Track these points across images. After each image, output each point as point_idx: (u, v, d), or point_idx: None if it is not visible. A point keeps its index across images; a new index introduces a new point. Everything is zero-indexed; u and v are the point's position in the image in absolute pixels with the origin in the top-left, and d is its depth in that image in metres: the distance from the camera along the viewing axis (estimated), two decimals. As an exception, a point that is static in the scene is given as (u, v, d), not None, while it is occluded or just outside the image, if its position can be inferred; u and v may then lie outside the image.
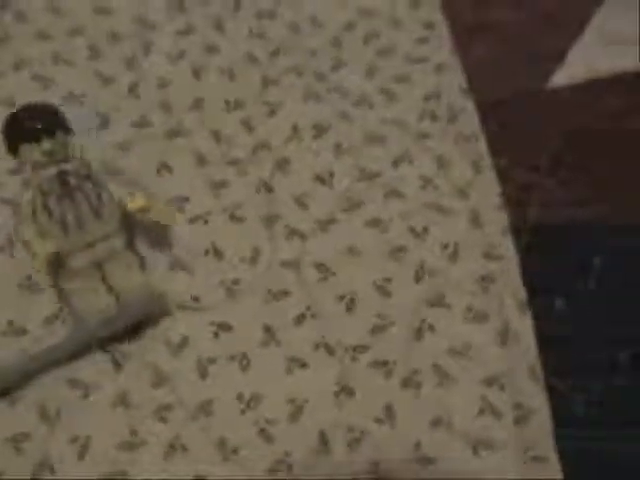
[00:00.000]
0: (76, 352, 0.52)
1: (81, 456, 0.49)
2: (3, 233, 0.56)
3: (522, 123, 0.63)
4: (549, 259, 0.57)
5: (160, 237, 0.56)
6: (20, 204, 0.51)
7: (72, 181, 0.51)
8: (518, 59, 0.66)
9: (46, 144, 0.51)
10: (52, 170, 0.51)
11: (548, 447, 0.50)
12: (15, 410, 0.50)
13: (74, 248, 0.51)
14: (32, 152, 0.51)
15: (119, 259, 0.52)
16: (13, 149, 0.52)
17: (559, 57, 0.66)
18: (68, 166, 0.51)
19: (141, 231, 0.56)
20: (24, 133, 0.51)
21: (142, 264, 0.55)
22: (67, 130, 0.53)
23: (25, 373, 0.51)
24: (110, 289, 0.51)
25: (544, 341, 0.54)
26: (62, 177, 0.51)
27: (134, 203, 0.53)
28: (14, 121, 0.52)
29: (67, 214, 0.50)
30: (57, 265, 0.51)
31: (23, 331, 0.53)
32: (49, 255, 0.49)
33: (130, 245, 0.54)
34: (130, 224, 0.54)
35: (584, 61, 0.66)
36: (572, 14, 0.68)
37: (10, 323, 0.53)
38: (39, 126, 0.51)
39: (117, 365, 0.52)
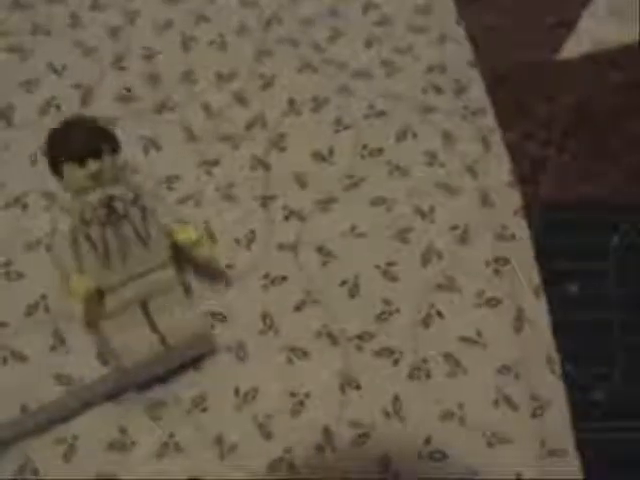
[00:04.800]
0: (111, 394, 0.47)
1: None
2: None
3: (532, 95, 0.59)
4: (563, 239, 0.53)
5: (211, 270, 0.51)
6: (56, 230, 0.45)
7: (118, 207, 0.45)
8: (526, 29, 0.62)
9: (92, 165, 0.45)
10: (97, 195, 0.45)
11: (566, 440, 0.47)
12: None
13: (116, 283, 0.45)
14: (75, 174, 0.45)
15: (165, 295, 0.46)
16: (56, 170, 0.46)
17: (569, 27, 0.63)
18: (115, 190, 0.45)
19: (190, 263, 0.50)
20: (67, 152, 0.45)
21: (191, 300, 0.49)
22: (116, 149, 0.47)
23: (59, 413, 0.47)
24: (154, 328, 0.46)
25: (560, 328, 0.50)
26: (108, 203, 0.45)
27: (186, 235, 0.47)
28: (57, 137, 0.46)
29: (110, 245, 0.45)
30: (97, 304, 0.45)
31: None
32: (89, 293, 0.44)
33: (179, 279, 0.48)
34: (179, 255, 0.48)
35: (593, 31, 0.63)
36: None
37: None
38: (85, 144, 0.45)
39: None
